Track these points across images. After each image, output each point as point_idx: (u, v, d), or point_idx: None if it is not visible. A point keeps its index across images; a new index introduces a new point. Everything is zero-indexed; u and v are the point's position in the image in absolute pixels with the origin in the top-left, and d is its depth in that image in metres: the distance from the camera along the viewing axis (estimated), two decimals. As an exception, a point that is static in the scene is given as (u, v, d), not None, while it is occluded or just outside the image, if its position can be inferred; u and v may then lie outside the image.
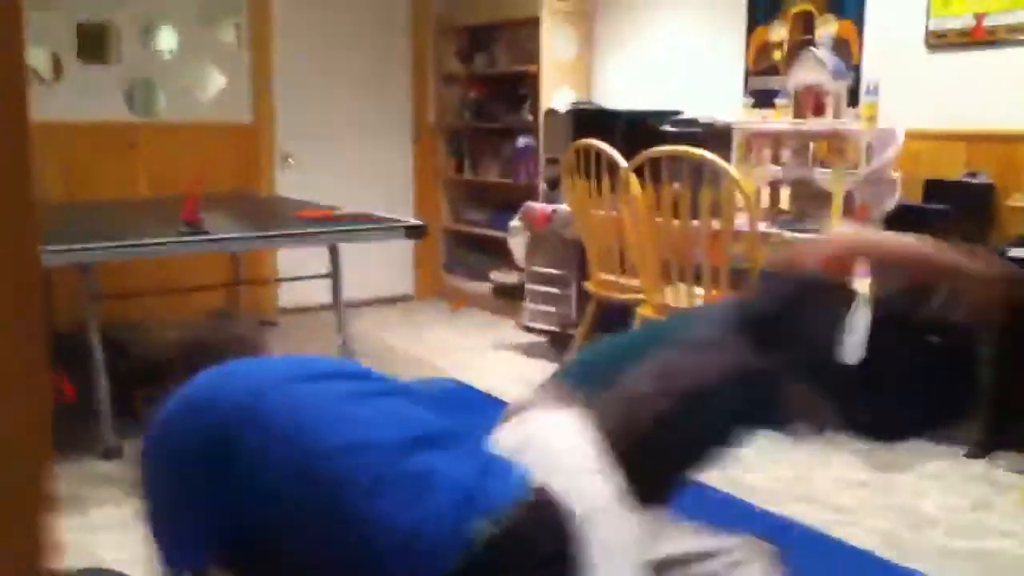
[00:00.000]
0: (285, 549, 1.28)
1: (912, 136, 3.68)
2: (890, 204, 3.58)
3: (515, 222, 4.73)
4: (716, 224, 3.46)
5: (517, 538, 1.21)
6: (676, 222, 3.45)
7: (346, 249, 3.74)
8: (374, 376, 1.47)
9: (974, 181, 3.54)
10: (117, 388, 3.38)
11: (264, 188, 5.27)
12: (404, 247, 5.87)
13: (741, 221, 3.52)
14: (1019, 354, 3.27)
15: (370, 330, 5.10)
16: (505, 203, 5.56)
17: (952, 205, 3.49)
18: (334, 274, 3.66)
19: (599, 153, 3.97)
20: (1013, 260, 2.94)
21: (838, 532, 2.64)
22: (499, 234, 5.36)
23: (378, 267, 5.70)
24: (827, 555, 2.51)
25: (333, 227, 3.48)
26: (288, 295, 5.47)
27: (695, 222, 3.46)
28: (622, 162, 3.84)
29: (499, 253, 5.72)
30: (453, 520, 1.20)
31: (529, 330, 4.95)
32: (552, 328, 4.79)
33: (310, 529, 1.24)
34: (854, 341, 3.44)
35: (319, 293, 4.67)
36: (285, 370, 1.42)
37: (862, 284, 3.27)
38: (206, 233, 3.12)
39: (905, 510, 2.85)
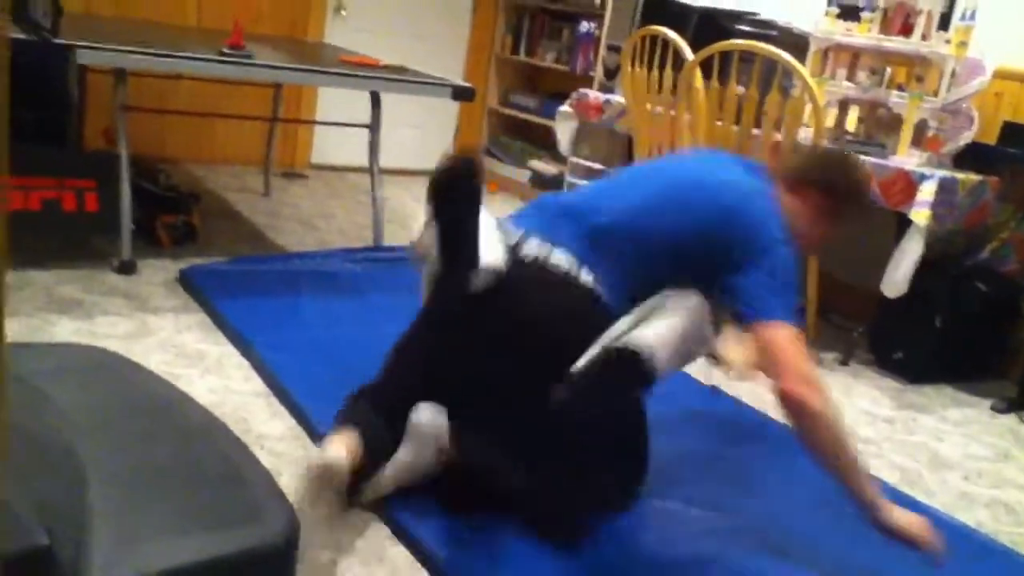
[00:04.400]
0: None
1: (1000, 74, 3.45)
2: (964, 140, 3.38)
3: (565, 107, 4.54)
4: (777, 136, 3.28)
5: None
6: (736, 128, 3.28)
7: (386, 118, 3.59)
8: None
9: (1057, 130, 3.33)
10: (143, 211, 3.36)
11: (313, 37, 5.10)
12: (445, 123, 5.72)
13: (803, 136, 3.35)
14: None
15: (401, 197, 5.00)
16: (557, 91, 5.36)
17: (1027, 153, 3.30)
18: (373, 125, 3.51)
19: (665, 43, 3.77)
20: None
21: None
22: (546, 122, 5.18)
23: (415, 140, 5.56)
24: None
25: (378, 74, 3.31)
26: (321, 151, 5.36)
27: (756, 130, 3.29)
28: (689, 54, 3.64)
29: (542, 143, 5.54)
30: None
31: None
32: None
33: None
34: (901, 274, 3.29)
35: (353, 153, 4.55)
36: None
37: (919, 216, 3.14)
38: (249, 57, 2.97)
39: (926, 450, 2.75)
